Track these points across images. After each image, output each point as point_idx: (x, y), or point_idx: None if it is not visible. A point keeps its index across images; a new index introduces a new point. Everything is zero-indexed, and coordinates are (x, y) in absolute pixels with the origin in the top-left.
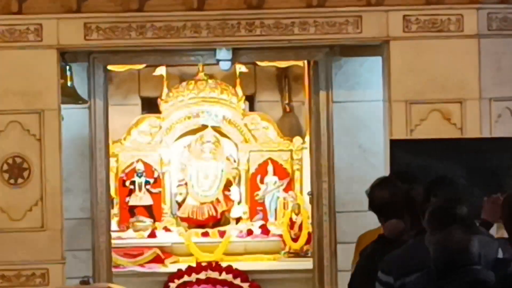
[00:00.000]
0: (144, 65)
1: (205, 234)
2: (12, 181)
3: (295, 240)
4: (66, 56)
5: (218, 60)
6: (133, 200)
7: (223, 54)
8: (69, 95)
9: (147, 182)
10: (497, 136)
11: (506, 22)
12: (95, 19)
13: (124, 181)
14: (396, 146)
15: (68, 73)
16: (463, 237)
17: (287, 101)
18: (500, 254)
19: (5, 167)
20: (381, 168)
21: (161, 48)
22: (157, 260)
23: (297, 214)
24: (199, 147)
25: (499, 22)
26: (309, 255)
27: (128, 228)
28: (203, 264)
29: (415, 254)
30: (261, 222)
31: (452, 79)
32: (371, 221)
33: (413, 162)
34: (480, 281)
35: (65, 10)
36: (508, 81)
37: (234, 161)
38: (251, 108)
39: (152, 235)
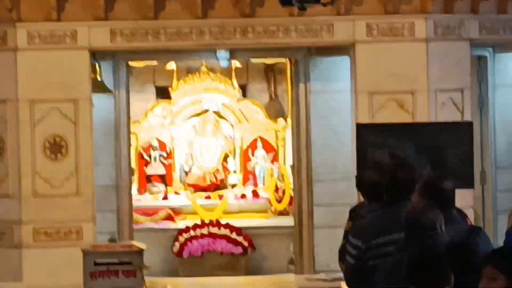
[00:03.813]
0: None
1: (208, 197)
2: (52, 156)
3: (279, 201)
4: (96, 55)
5: (218, 59)
6: (149, 170)
7: (222, 54)
8: (98, 87)
9: (161, 155)
10: (441, 121)
11: (449, 29)
12: (119, 26)
13: (142, 155)
14: (361, 129)
15: (97, 69)
16: (423, 207)
17: (273, 89)
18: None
19: (47, 145)
20: (349, 145)
21: (172, 49)
22: (169, 218)
23: (281, 181)
24: (202, 127)
25: (443, 29)
26: (291, 214)
27: (145, 192)
28: (206, 221)
29: (380, 223)
30: (252, 187)
31: (405, 74)
32: (340, 188)
33: (374, 141)
34: (437, 243)
35: (94, 18)
36: (450, 76)
37: (231, 137)
38: (244, 95)
39: (165, 198)
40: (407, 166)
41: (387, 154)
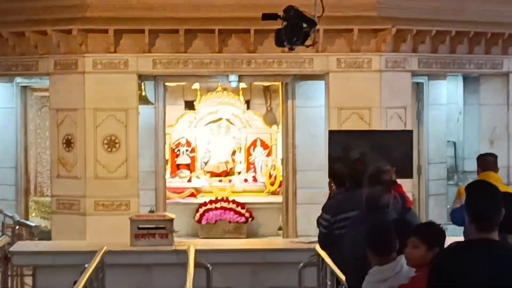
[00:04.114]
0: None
1: (220, 181)
2: (109, 149)
3: (272, 184)
4: (141, 77)
5: (230, 81)
6: (178, 160)
7: (233, 78)
8: (143, 100)
9: (187, 150)
10: (389, 129)
11: (396, 63)
12: (158, 57)
13: (173, 149)
14: (332, 134)
15: (142, 87)
16: (379, 192)
17: (269, 104)
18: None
19: (105, 141)
20: (323, 146)
21: (196, 74)
22: (192, 195)
23: (273, 170)
24: (217, 130)
25: (392, 63)
26: (280, 194)
27: (175, 176)
28: (219, 198)
29: (344, 202)
30: (252, 174)
31: (364, 95)
32: (316, 176)
33: (341, 143)
34: (388, 218)
35: (141, 51)
36: (396, 97)
37: (238, 138)
38: (248, 108)
39: (189, 181)
40: (363, 163)
41: (358, 154)
